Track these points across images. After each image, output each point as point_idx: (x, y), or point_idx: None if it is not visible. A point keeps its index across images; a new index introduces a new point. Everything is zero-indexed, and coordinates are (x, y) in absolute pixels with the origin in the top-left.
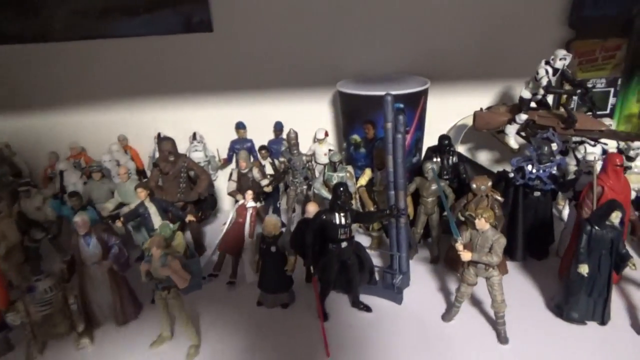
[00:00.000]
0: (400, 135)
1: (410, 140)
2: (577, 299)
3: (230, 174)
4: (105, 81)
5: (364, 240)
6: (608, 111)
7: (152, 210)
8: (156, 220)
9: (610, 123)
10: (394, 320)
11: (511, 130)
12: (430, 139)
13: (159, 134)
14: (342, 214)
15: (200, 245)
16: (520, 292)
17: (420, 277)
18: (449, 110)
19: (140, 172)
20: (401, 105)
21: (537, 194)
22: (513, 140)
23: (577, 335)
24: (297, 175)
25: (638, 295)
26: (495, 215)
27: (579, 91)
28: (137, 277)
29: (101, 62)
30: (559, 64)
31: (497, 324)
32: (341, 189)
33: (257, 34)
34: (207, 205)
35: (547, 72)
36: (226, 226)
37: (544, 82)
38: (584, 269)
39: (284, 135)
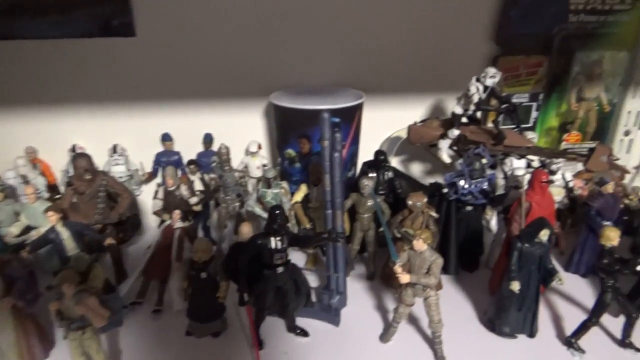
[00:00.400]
0: (337, 154)
1: (346, 155)
2: (508, 314)
3: (156, 192)
4: (11, 86)
5: (299, 256)
6: (531, 124)
7: (66, 235)
8: (70, 246)
9: (534, 136)
10: (332, 343)
11: (444, 144)
12: (364, 153)
13: (73, 147)
14: (277, 238)
15: (121, 270)
16: (454, 306)
17: (357, 295)
18: (383, 124)
19: (52, 188)
20: (337, 120)
21: (469, 208)
22: (445, 154)
23: (508, 349)
24: (229, 193)
25: (562, 306)
26: (430, 232)
27: (503, 106)
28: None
29: (6, 65)
30: (489, 82)
31: (434, 344)
32: (277, 212)
33: (184, 39)
34: (129, 225)
35: (477, 89)
36: (151, 249)
37: (475, 99)
38: (515, 286)
39: (215, 148)
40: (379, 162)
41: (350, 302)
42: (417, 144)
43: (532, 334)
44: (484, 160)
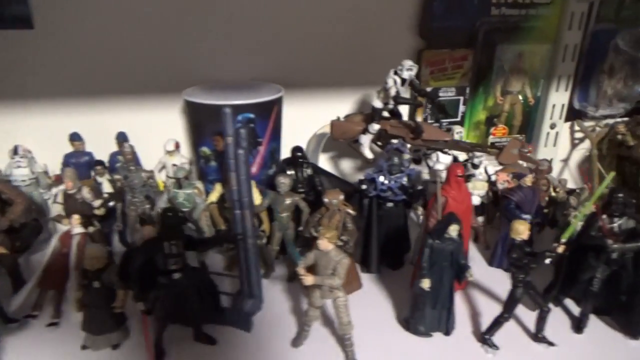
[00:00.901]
0: (242, 151)
1: (265, 152)
2: (422, 312)
3: (55, 196)
4: None
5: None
6: (459, 119)
7: None
8: None
9: (460, 131)
10: (241, 350)
11: (365, 140)
12: (288, 150)
13: None
14: (172, 243)
15: (19, 281)
16: (373, 306)
17: (275, 297)
18: (308, 120)
19: None
20: (251, 116)
21: (389, 204)
22: (367, 150)
23: (423, 348)
24: (136, 194)
25: (483, 301)
26: (348, 230)
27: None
28: None
29: None
30: (405, 74)
31: (344, 346)
32: (169, 214)
33: (89, 32)
34: (28, 232)
35: (395, 82)
36: (45, 258)
37: (392, 92)
38: (425, 284)
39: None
40: (296, 159)
41: (268, 304)
42: (340, 139)
43: (447, 331)
44: (406, 156)
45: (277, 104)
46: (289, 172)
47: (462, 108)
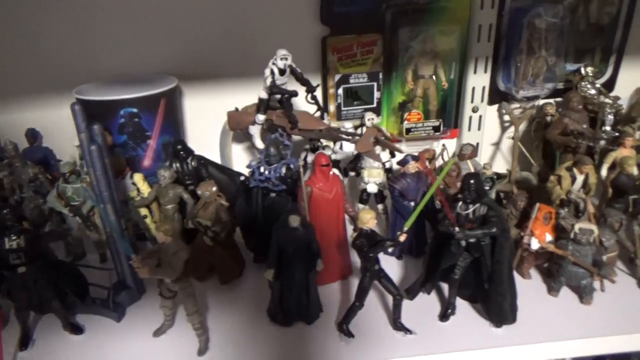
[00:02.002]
0: (94, 147)
1: (156, 145)
2: (282, 302)
3: None
4: None
5: None
6: (375, 105)
7: None
8: None
9: (372, 117)
10: (106, 339)
11: (254, 130)
12: (196, 143)
13: None
14: (13, 238)
15: None
16: (244, 297)
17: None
18: (213, 111)
19: None
20: (134, 110)
21: (273, 195)
22: (258, 140)
23: (282, 337)
24: (24, 190)
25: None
26: (221, 221)
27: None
28: None
29: None
30: (280, 64)
31: (196, 335)
32: (4, 211)
33: None
34: None
35: (272, 72)
36: None
37: (267, 82)
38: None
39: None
40: (177, 152)
41: (149, 296)
42: (236, 130)
43: (309, 320)
44: (285, 146)
45: (165, 96)
46: (175, 165)
47: (376, 94)
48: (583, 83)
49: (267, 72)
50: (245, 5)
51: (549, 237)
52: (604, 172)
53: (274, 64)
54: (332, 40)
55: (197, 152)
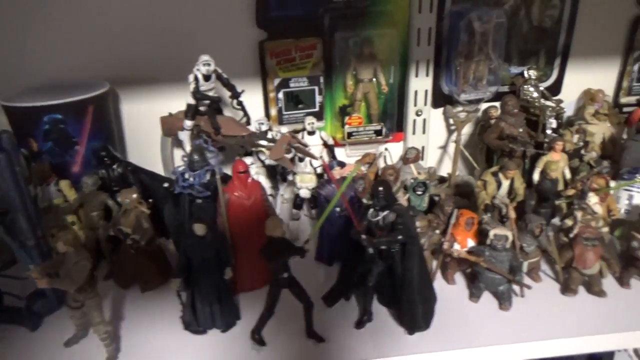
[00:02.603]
0: (2, 155)
1: (85, 152)
2: (195, 310)
3: None
4: None
5: None
6: (317, 109)
7: None
8: None
9: (312, 122)
10: (18, 347)
11: (183, 136)
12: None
13: None
14: None
15: None
16: (163, 306)
17: None
18: (150, 117)
19: None
20: (58, 116)
21: (199, 201)
22: (188, 146)
23: (194, 345)
24: None
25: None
26: (142, 229)
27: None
28: None
29: None
30: (203, 70)
31: (103, 345)
32: None
33: None
34: None
35: (195, 78)
36: None
37: (191, 88)
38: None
39: None
40: (100, 158)
41: None
42: (169, 136)
43: (224, 328)
44: (210, 152)
45: (93, 102)
46: (102, 172)
47: (318, 98)
48: (525, 86)
49: (191, 77)
50: (181, 9)
51: (471, 242)
52: (535, 176)
53: (198, 69)
54: (269, 45)
55: (138, 158)
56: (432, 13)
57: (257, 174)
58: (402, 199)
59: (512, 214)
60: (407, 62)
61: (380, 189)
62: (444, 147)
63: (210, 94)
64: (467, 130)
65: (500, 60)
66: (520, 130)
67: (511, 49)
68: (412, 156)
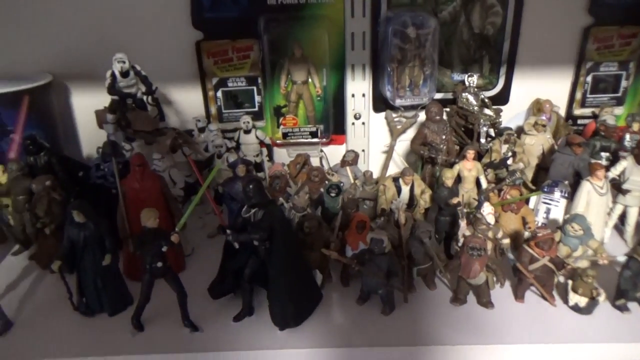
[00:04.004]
0: None
1: (21, 140)
2: (86, 293)
3: None
4: None
5: None
6: (256, 108)
7: None
8: None
9: (247, 121)
10: None
11: (108, 128)
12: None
13: None
14: None
15: None
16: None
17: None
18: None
19: None
20: None
21: (114, 191)
22: (112, 137)
23: (83, 328)
24: None
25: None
26: (51, 213)
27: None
28: None
29: None
30: (117, 67)
31: None
32: None
33: None
34: None
35: (112, 74)
36: None
37: (106, 84)
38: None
39: None
40: (27, 146)
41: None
42: (101, 128)
43: (110, 312)
44: (126, 145)
45: (30, 93)
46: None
47: (257, 98)
48: (464, 94)
49: (108, 74)
50: (120, 9)
51: (362, 245)
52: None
53: (114, 67)
54: (206, 45)
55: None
56: (365, 18)
57: (170, 167)
58: (303, 199)
59: (402, 219)
60: (344, 66)
61: (250, 186)
62: (385, 152)
63: (131, 90)
64: (409, 135)
65: (435, 66)
66: (443, 137)
67: (453, 56)
68: (349, 159)
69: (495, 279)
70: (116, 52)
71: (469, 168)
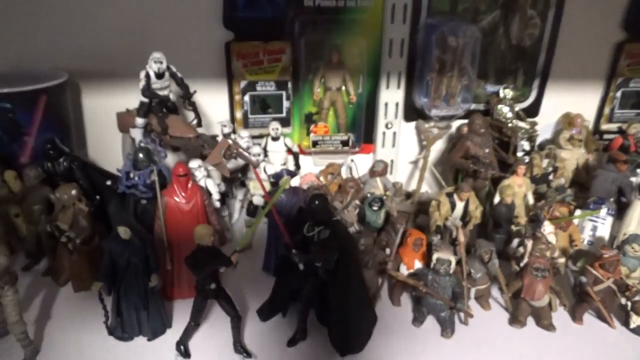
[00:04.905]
0: None
1: (36, 142)
2: (121, 316)
3: None
4: None
5: None
6: (284, 115)
7: None
8: None
9: (276, 127)
10: None
11: (135, 133)
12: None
13: None
14: None
15: None
16: (94, 308)
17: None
18: (112, 111)
19: None
20: (7, 105)
21: (144, 201)
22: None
23: (120, 352)
24: None
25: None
26: (80, 226)
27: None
28: None
29: None
30: (154, 67)
31: (21, 346)
32: None
33: None
34: None
35: (147, 75)
36: None
37: (141, 85)
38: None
39: None
40: (46, 151)
41: None
42: (124, 132)
43: (150, 336)
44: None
45: (47, 93)
46: (48, 164)
47: (286, 104)
48: (499, 106)
49: (142, 74)
50: (147, 5)
51: (418, 264)
52: (495, 200)
53: (149, 67)
54: (236, 46)
55: (99, 153)
56: (405, 24)
57: (205, 177)
58: (352, 214)
59: (461, 237)
60: (378, 73)
61: (316, 202)
62: (414, 163)
63: (164, 92)
64: (438, 147)
65: (474, 77)
66: (487, 150)
67: (488, 67)
68: (379, 169)
69: (558, 301)
70: (147, 51)
71: (519, 184)
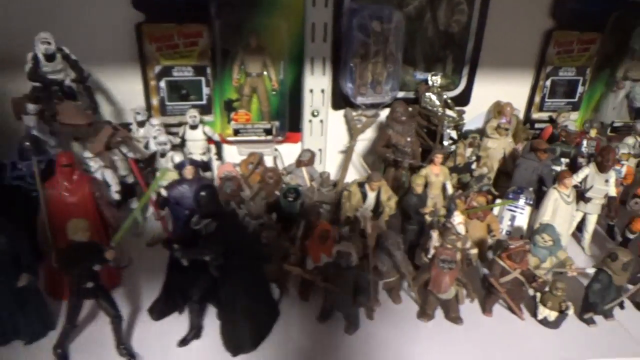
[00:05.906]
0: None
1: None
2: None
3: None
4: None
5: None
6: (204, 102)
7: None
8: None
9: (194, 115)
10: None
11: (29, 120)
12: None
13: None
14: None
15: None
16: None
17: None
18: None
19: None
20: None
21: (35, 194)
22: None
23: None
24: None
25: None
26: None
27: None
28: None
29: None
30: (41, 48)
31: None
32: None
33: None
34: None
35: (34, 57)
36: None
37: (26, 68)
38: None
39: None
40: None
41: None
42: (18, 119)
43: (27, 339)
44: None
45: None
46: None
47: (206, 90)
48: (427, 94)
49: (29, 56)
50: None
51: (325, 258)
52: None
53: (37, 48)
54: (148, 28)
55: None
56: (327, 7)
57: (103, 167)
58: (259, 205)
59: (369, 229)
60: (302, 59)
61: (203, 193)
62: (345, 152)
63: (58, 76)
64: (368, 135)
65: (399, 63)
66: (408, 139)
67: (416, 54)
68: (306, 159)
69: (465, 293)
70: (40, 31)
71: (436, 173)
